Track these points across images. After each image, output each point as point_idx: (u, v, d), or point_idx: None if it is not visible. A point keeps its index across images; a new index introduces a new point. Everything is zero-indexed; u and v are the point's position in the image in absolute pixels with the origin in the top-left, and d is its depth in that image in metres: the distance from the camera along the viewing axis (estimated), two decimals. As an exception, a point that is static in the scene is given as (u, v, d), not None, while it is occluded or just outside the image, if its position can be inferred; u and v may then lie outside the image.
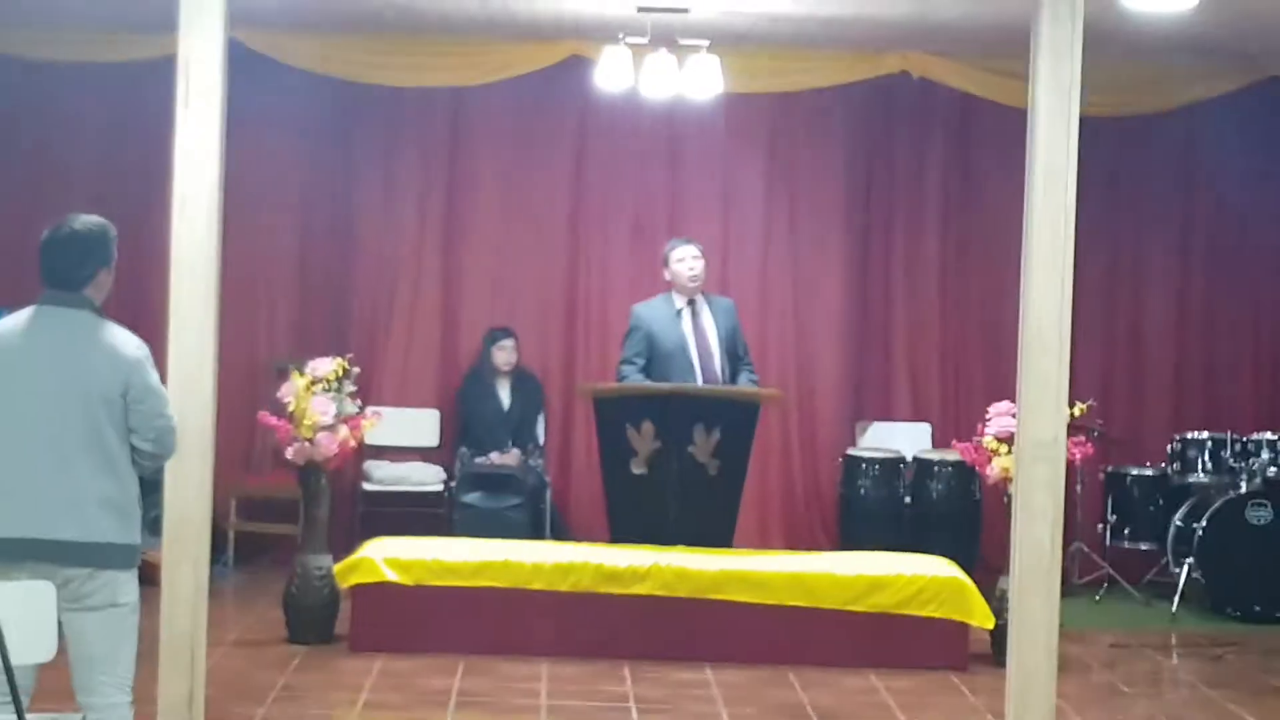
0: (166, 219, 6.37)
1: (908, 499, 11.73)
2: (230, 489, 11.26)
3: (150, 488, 6.03)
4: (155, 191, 10.92)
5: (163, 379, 5.86)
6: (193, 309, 6.27)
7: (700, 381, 10.18)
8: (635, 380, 10.31)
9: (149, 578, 6.08)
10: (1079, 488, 11.15)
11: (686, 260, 10.36)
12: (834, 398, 12.40)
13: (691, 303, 10.38)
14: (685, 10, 10.19)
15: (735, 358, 10.37)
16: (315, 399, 9.26)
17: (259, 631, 9.76)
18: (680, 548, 9.58)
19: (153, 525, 6.68)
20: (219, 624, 9.15)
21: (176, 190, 6.25)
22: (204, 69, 6.29)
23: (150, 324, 9.62)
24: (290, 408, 9.30)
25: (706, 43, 10.64)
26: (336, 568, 9.42)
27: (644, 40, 10.53)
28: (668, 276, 10.43)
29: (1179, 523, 11.30)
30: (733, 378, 10.28)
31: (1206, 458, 11.35)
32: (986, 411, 9.50)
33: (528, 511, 11.40)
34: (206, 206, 6.27)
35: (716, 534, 9.94)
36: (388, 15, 10.70)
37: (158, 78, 10.64)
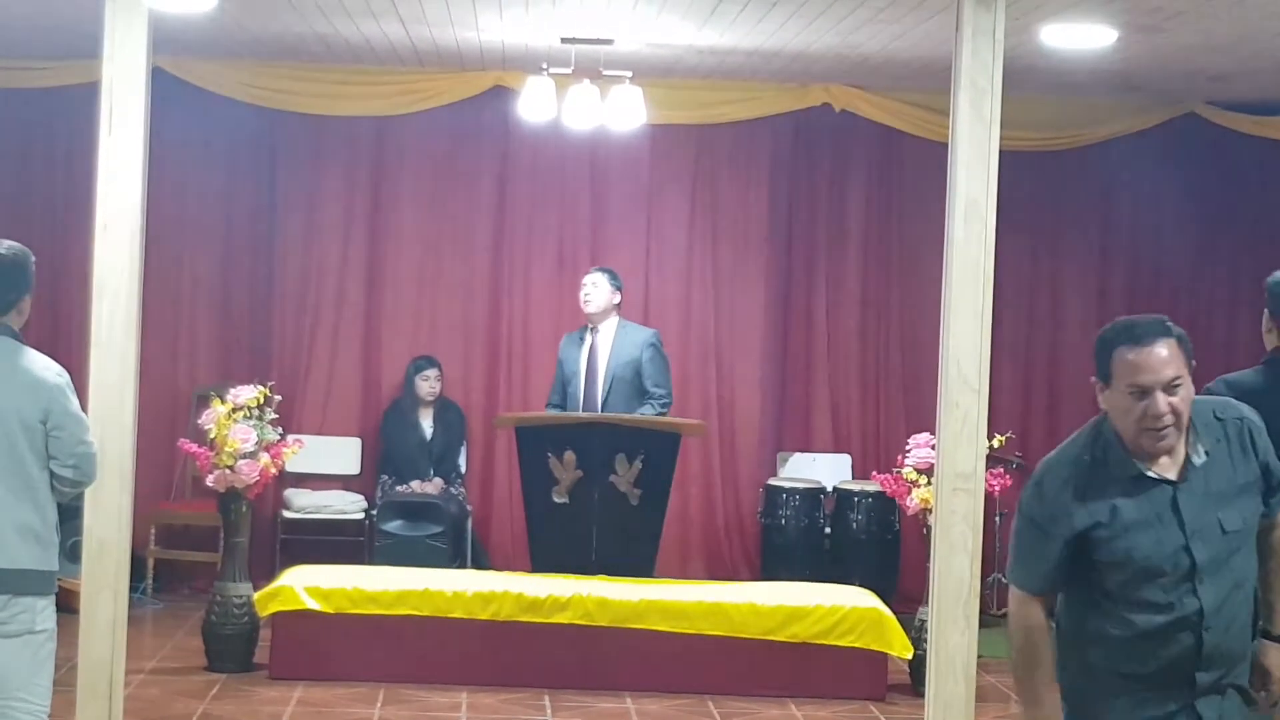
0: (84, 244, 6.35)
1: (828, 529, 11.75)
2: (150, 516, 11.18)
3: (69, 514, 6.01)
4: (74, 217, 10.89)
5: (83, 405, 5.84)
6: (114, 335, 6.25)
7: (579, 408, 10.32)
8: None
9: (67, 605, 6.05)
10: (998, 519, 11.21)
11: (584, 288, 10.63)
12: (755, 428, 12.42)
13: (594, 329, 10.49)
14: (609, 42, 10.22)
15: (641, 391, 10.43)
16: (236, 426, 9.23)
17: (178, 659, 9.71)
18: (601, 577, 9.59)
19: (71, 552, 6.65)
20: (137, 652, 9.12)
21: (99, 216, 6.23)
22: (127, 95, 6.27)
23: (68, 349, 9.62)
24: (211, 435, 9.27)
25: (630, 74, 10.67)
26: (256, 596, 9.38)
27: (567, 71, 10.55)
28: None
29: (1095, 554, 11.35)
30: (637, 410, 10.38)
31: (1122, 489, 11.41)
32: (906, 443, 9.56)
33: (448, 540, 11.36)
34: (129, 232, 6.25)
35: (638, 563, 9.97)
36: (312, 44, 10.69)
37: (75, 103, 10.67)
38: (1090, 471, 4.35)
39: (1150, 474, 4.32)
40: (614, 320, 10.56)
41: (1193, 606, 4.29)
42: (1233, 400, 4.56)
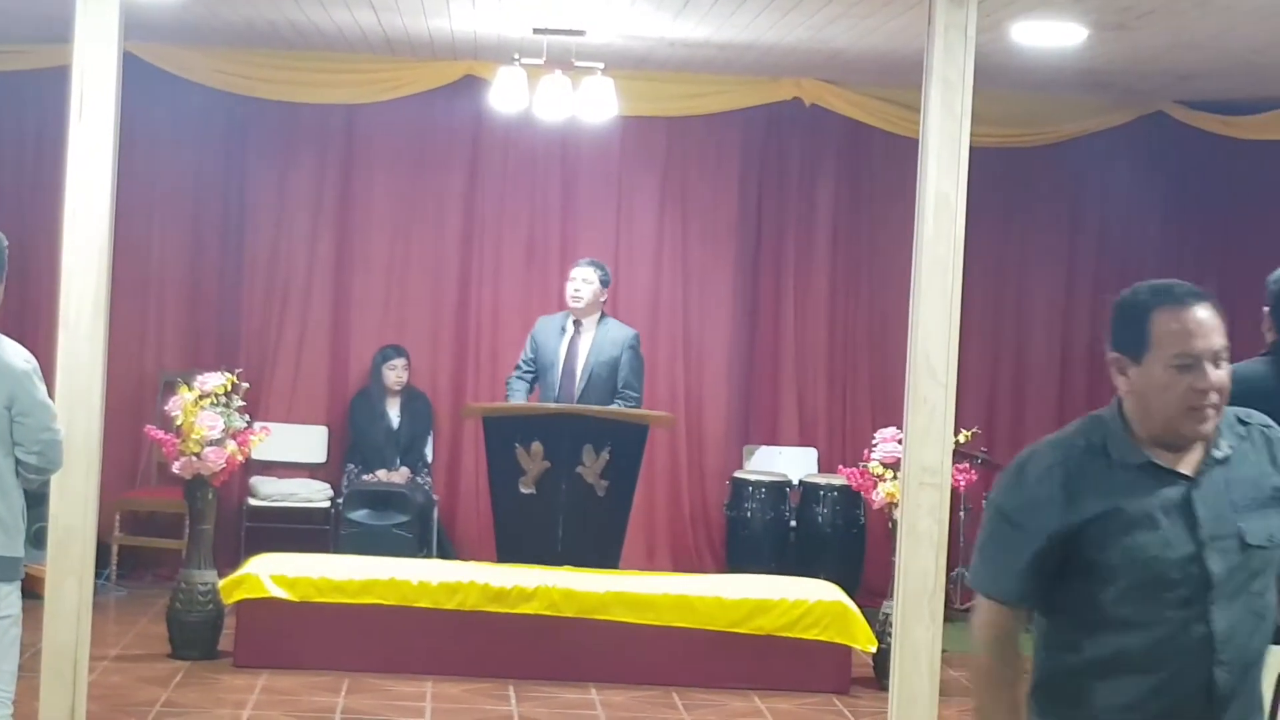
0: (53, 229, 6.33)
1: (793, 522, 11.77)
2: (115, 502, 11.14)
3: (35, 500, 5.99)
4: (43, 202, 10.84)
5: (51, 391, 5.83)
6: (82, 320, 6.22)
7: (555, 400, 10.29)
8: (516, 388, 10.47)
9: (32, 591, 6.03)
10: (962, 514, 11.25)
11: (574, 281, 10.48)
12: (722, 421, 12.44)
13: (578, 323, 10.45)
14: (581, 33, 10.22)
15: (614, 389, 10.40)
16: (203, 413, 9.21)
17: (142, 646, 9.69)
18: (567, 568, 9.60)
19: (36, 538, 6.63)
20: (102, 638, 9.10)
21: (68, 201, 6.21)
22: (97, 80, 6.25)
23: (36, 335, 9.59)
24: (178, 421, 9.26)
25: (602, 65, 10.67)
26: (221, 583, 9.37)
27: (539, 61, 10.54)
28: None
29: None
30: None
31: (1087, 486, 11.43)
32: (873, 437, 9.59)
33: (414, 530, 11.35)
34: (98, 217, 6.23)
35: (604, 554, 9.98)
36: (284, 31, 10.67)
37: (45, 87, 10.64)
38: (1084, 459, 3.63)
39: (1161, 464, 3.62)
40: (597, 316, 10.52)
41: (1200, 632, 3.57)
42: (1254, 410, 3.80)
